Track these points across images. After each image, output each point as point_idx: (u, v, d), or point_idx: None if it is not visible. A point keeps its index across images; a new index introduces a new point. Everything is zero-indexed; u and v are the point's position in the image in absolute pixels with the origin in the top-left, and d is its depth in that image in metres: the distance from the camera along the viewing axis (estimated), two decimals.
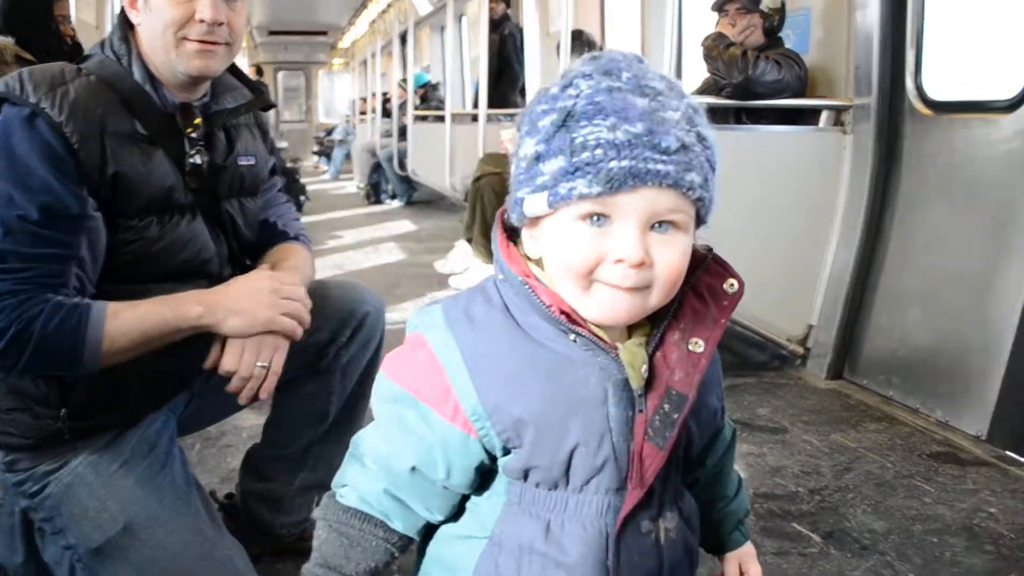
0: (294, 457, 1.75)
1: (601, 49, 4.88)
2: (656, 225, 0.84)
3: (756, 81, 3.26)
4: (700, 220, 0.88)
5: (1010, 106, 2.63)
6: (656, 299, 0.87)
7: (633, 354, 0.91)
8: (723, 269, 0.96)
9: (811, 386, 3.17)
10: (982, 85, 3.02)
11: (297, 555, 1.82)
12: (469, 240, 5.07)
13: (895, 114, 3.09)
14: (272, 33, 18.21)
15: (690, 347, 0.92)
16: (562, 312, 0.88)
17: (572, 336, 0.89)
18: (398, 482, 0.95)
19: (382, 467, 0.96)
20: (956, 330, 2.79)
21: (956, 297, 2.81)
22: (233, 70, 1.63)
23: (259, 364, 1.43)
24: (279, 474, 1.77)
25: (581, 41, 4.84)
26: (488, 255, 4.86)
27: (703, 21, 3.75)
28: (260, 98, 1.66)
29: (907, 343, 2.98)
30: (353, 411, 1.75)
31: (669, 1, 3.14)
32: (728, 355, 3.46)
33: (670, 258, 0.85)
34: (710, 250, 0.96)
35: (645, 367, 0.91)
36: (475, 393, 0.90)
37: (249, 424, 2.52)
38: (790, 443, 2.59)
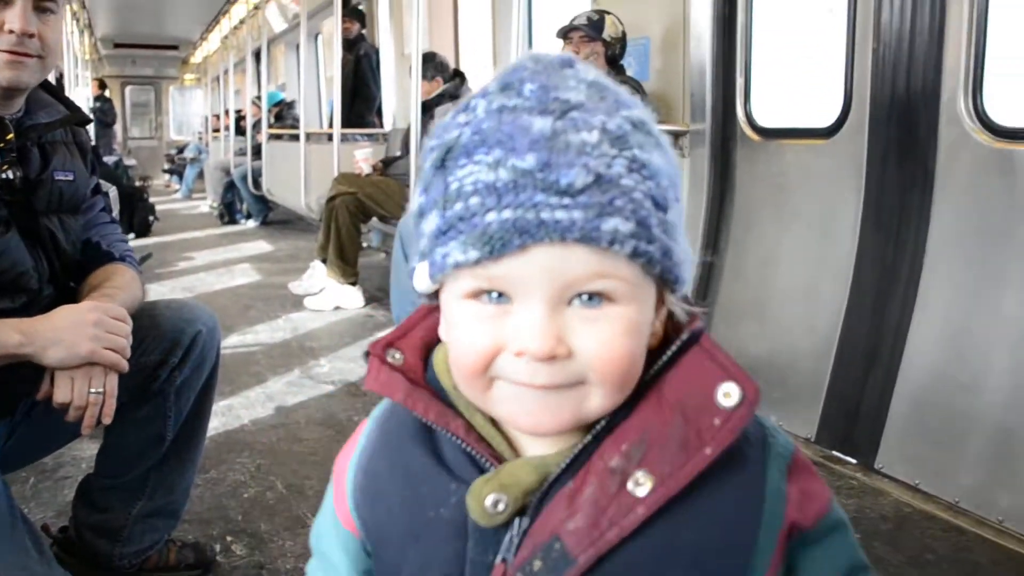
0: (131, 485, 1.70)
1: (455, 71, 4.88)
2: (584, 296, 0.58)
3: None
4: (667, 283, 0.62)
5: (828, 132, 2.84)
6: (600, 400, 0.60)
7: (515, 478, 0.62)
8: (716, 367, 0.62)
9: None
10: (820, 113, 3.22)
11: None
12: (324, 260, 5.01)
13: (727, 139, 3.27)
14: (118, 46, 17.53)
15: (629, 485, 0.59)
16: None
17: (456, 437, 0.65)
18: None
19: (316, 552, 0.78)
20: (787, 341, 2.96)
21: (786, 310, 2.99)
22: (48, 88, 1.60)
23: (92, 391, 1.39)
24: (116, 503, 1.71)
25: (433, 63, 4.90)
26: (343, 275, 4.84)
27: (552, 46, 3.87)
28: (75, 114, 1.62)
29: (744, 354, 3.13)
30: (192, 434, 1.72)
31: (517, 27, 3.23)
32: None
33: (601, 344, 0.58)
34: (697, 329, 0.64)
35: (502, 501, 0.61)
36: (352, 480, 0.71)
37: (88, 455, 2.41)
38: None
